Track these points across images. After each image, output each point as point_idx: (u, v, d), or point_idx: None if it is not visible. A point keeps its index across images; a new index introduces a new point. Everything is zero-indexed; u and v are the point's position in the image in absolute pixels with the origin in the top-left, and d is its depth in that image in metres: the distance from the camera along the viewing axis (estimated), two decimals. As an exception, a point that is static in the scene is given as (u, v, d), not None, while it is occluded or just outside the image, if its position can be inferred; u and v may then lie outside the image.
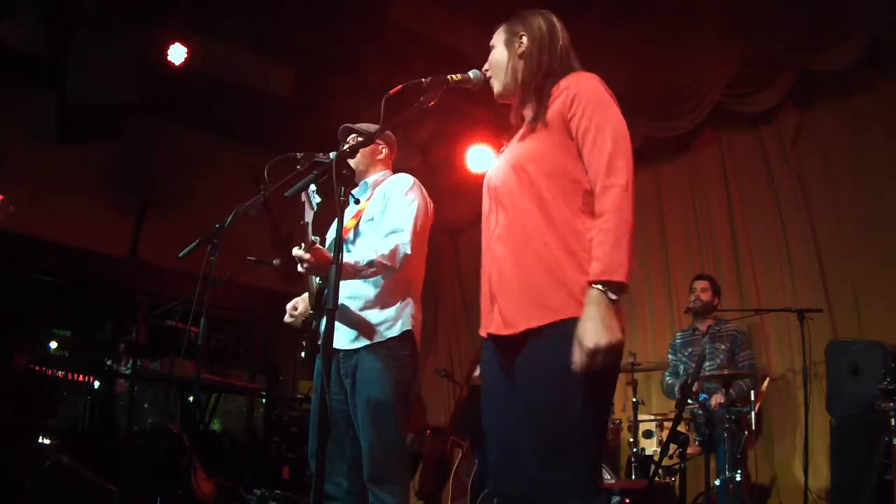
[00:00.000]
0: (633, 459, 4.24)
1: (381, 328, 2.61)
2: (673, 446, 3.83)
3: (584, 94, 1.77)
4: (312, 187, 2.31)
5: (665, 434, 4.20)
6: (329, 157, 2.44)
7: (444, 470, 4.92)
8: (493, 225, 1.85)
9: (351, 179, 1.96)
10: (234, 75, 6.21)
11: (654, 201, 5.85)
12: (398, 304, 2.64)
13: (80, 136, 5.81)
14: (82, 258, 6.50)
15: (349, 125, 2.88)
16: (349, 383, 2.61)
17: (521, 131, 1.88)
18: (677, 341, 4.83)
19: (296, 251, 2.42)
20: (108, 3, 5.13)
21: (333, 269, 1.84)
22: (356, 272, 2.51)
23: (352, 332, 2.64)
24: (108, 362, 5.62)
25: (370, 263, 2.51)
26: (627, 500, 3.77)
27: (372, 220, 2.72)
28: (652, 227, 5.81)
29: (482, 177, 2.01)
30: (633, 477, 4.20)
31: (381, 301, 2.64)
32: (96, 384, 6.03)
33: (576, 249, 1.67)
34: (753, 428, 4.03)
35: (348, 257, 2.52)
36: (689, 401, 4.02)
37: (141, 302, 6.62)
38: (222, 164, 6.96)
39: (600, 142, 1.70)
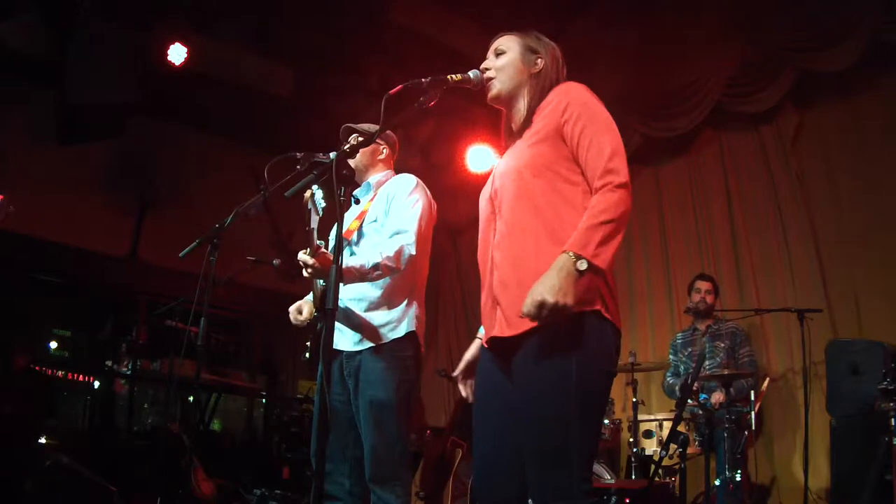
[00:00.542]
0: (633, 459, 4.24)
1: (385, 330, 2.61)
2: (673, 446, 3.83)
3: (575, 101, 1.83)
4: (319, 193, 2.31)
5: (665, 434, 4.20)
6: (329, 157, 2.44)
7: (445, 470, 4.92)
8: (489, 233, 1.90)
9: (351, 179, 1.96)
10: (234, 75, 6.21)
11: (654, 201, 5.85)
12: (402, 305, 2.64)
13: (80, 136, 5.81)
14: (82, 258, 6.50)
15: (350, 125, 2.88)
16: (352, 383, 2.61)
17: (514, 142, 1.95)
18: (678, 341, 4.84)
19: (301, 256, 2.42)
20: (108, 4, 5.13)
21: (333, 269, 1.84)
22: (362, 275, 2.51)
23: (356, 335, 2.64)
24: (109, 363, 5.61)
25: (375, 266, 2.50)
26: (627, 500, 3.76)
27: (375, 221, 2.71)
28: (652, 227, 5.81)
29: (482, 177, 2.02)
30: (633, 477, 4.20)
31: (386, 302, 2.63)
32: (96, 384, 6.03)
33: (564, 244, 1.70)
34: (753, 428, 4.03)
35: (353, 260, 2.51)
36: (690, 400, 4.02)
37: (141, 302, 6.62)
38: (222, 164, 6.96)
39: (597, 144, 1.75)
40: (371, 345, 2.60)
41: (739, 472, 3.79)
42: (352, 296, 2.66)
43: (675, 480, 4.11)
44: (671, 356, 4.83)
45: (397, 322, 2.62)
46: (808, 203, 4.84)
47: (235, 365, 6.51)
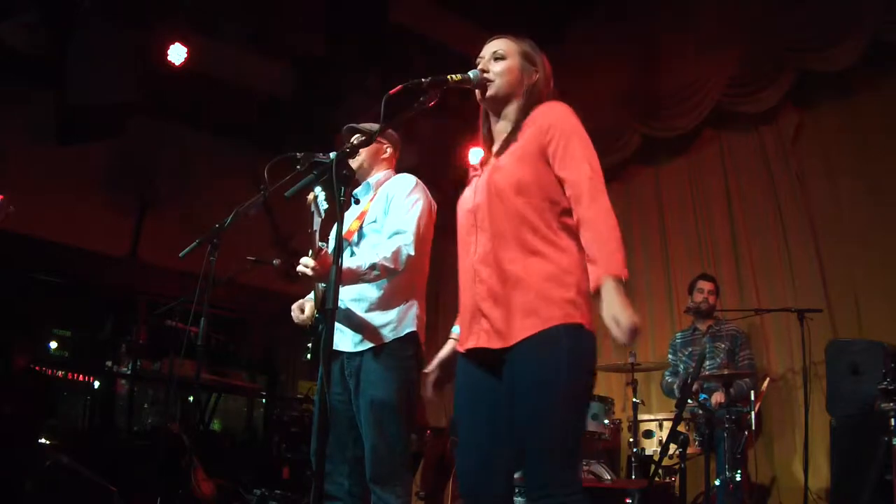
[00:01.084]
0: (633, 459, 4.24)
1: (386, 330, 2.60)
2: (673, 446, 3.83)
3: (558, 122, 1.92)
4: (322, 196, 2.31)
5: (665, 434, 4.20)
6: (329, 157, 2.44)
7: (445, 470, 4.92)
8: (472, 246, 1.94)
9: (351, 179, 1.96)
10: (234, 75, 6.21)
11: (654, 201, 5.85)
12: (402, 305, 2.64)
13: (80, 136, 5.81)
14: (82, 258, 6.49)
15: (353, 125, 2.88)
16: (353, 383, 2.61)
17: (495, 156, 1.99)
18: (677, 341, 4.84)
19: (303, 260, 2.42)
20: (108, 4, 5.12)
21: (333, 269, 1.84)
22: (359, 276, 2.51)
23: (357, 335, 2.63)
24: (109, 363, 5.61)
25: (372, 266, 2.50)
26: (628, 500, 3.76)
27: (375, 221, 2.71)
28: (652, 227, 5.81)
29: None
30: (633, 477, 4.19)
31: (386, 303, 2.63)
32: (96, 384, 6.03)
33: (557, 264, 1.83)
34: (753, 428, 4.03)
35: (351, 261, 2.51)
36: (689, 400, 4.02)
37: (141, 302, 6.62)
38: (222, 164, 6.96)
39: (578, 164, 1.86)
40: (372, 345, 2.60)
41: (739, 472, 3.78)
42: (352, 296, 2.66)
43: (675, 480, 4.11)
44: (670, 356, 4.83)
45: (398, 322, 2.62)
46: (808, 203, 4.84)
47: (235, 365, 6.50)
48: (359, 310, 2.64)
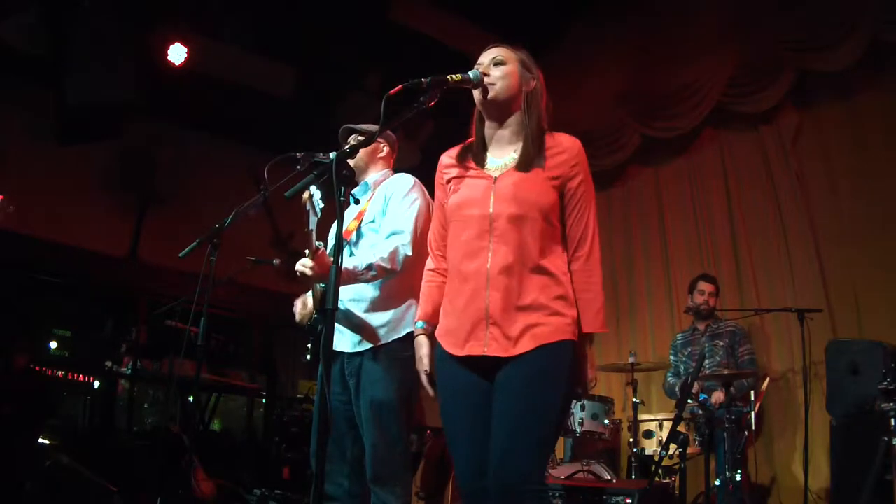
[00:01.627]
0: (633, 459, 4.24)
1: (385, 331, 2.60)
2: (673, 446, 3.83)
3: (583, 165, 2.05)
4: (317, 195, 2.30)
5: (665, 434, 4.20)
6: (329, 157, 2.43)
7: (445, 470, 4.92)
8: (482, 251, 1.96)
9: (351, 180, 1.95)
10: (234, 75, 6.22)
11: (654, 201, 5.85)
12: (402, 306, 2.63)
13: (80, 137, 5.81)
14: (82, 258, 6.49)
15: (350, 125, 2.87)
16: (353, 384, 2.61)
17: (511, 165, 2.02)
18: (678, 342, 4.84)
19: (298, 267, 2.42)
20: (108, 3, 5.12)
21: (333, 269, 1.84)
22: (356, 277, 2.51)
23: (356, 336, 2.63)
24: (109, 363, 5.60)
25: (369, 267, 2.50)
26: (628, 501, 3.76)
27: (373, 221, 2.70)
28: (652, 227, 5.81)
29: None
30: (633, 477, 4.20)
31: (385, 304, 2.63)
32: (96, 384, 6.03)
33: (566, 285, 1.98)
34: (753, 428, 4.03)
35: (348, 262, 2.51)
36: (689, 400, 4.02)
37: (141, 302, 6.62)
38: (222, 164, 6.96)
39: (587, 212, 2.03)
40: (371, 346, 2.59)
41: (739, 472, 3.78)
42: (350, 297, 2.65)
43: (675, 480, 4.11)
44: (671, 356, 4.84)
45: (397, 323, 2.61)
46: (808, 203, 4.84)
47: (235, 365, 6.50)
48: (358, 310, 2.64)
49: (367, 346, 2.60)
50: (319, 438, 1.82)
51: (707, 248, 5.37)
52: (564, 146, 2.03)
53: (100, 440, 5.49)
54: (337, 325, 2.56)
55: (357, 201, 2.80)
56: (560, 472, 4.06)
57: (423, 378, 2.15)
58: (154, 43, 5.61)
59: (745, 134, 5.32)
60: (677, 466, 3.99)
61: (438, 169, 2.19)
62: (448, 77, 1.94)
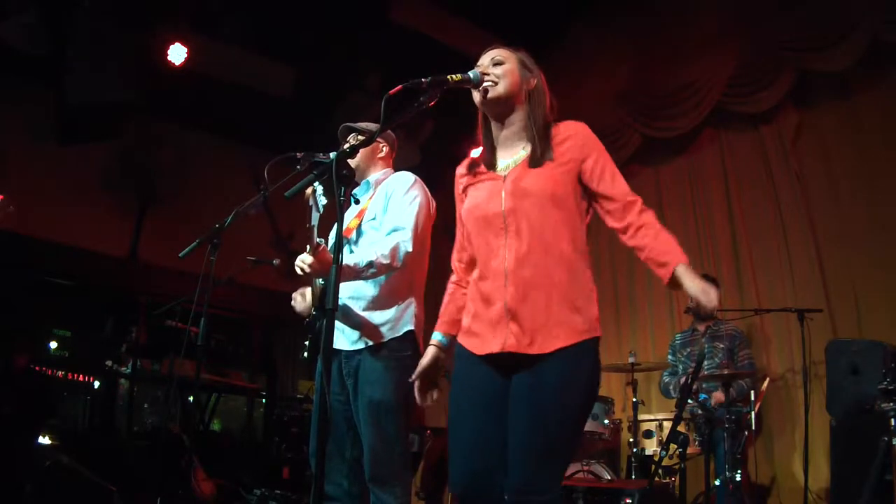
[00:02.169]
0: (633, 459, 4.24)
1: (384, 329, 2.59)
2: (673, 446, 3.83)
3: (593, 142, 2.04)
4: (320, 190, 2.30)
5: (665, 434, 4.20)
6: (329, 157, 2.43)
7: (445, 470, 4.92)
8: (499, 249, 1.95)
9: (351, 179, 1.96)
10: (234, 75, 6.22)
11: (654, 201, 5.84)
12: (401, 304, 2.63)
13: (80, 136, 5.81)
14: (82, 258, 6.49)
15: (349, 124, 2.87)
16: (351, 383, 2.61)
17: (519, 161, 2.02)
18: (677, 342, 4.83)
19: (298, 262, 2.41)
20: (108, 3, 5.12)
21: (333, 269, 1.84)
22: (356, 273, 2.50)
23: (354, 334, 2.63)
24: (109, 363, 5.61)
25: (370, 264, 2.49)
26: (628, 500, 3.76)
27: (374, 219, 2.70)
28: (652, 227, 5.80)
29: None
30: (633, 477, 4.19)
31: (384, 301, 2.62)
32: (96, 384, 6.03)
33: (585, 279, 1.95)
34: (753, 428, 4.03)
35: (349, 258, 2.50)
36: (689, 400, 4.02)
37: (141, 302, 6.61)
38: (222, 164, 6.96)
39: (619, 178, 2.02)
40: (370, 344, 2.59)
41: (739, 472, 3.78)
42: (349, 294, 2.64)
43: (675, 480, 4.11)
44: (670, 356, 4.83)
45: (396, 321, 2.61)
46: (808, 203, 4.84)
47: (235, 365, 6.50)
48: (357, 308, 2.63)
49: (365, 343, 2.59)
50: (319, 438, 1.81)
51: (707, 248, 5.37)
52: (569, 132, 2.03)
53: (100, 440, 5.48)
54: (335, 323, 2.55)
55: (357, 201, 2.81)
56: (560, 472, 4.05)
57: (415, 386, 2.14)
58: (154, 43, 5.61)
59: (745, 134, 5.32)
60: (677, 466, 4.00)
61: (455, 182, 2.19)
62: (448, 77, 1.94)
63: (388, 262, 2.51)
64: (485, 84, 2.00)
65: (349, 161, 2.79)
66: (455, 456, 1.97)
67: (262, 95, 6.42)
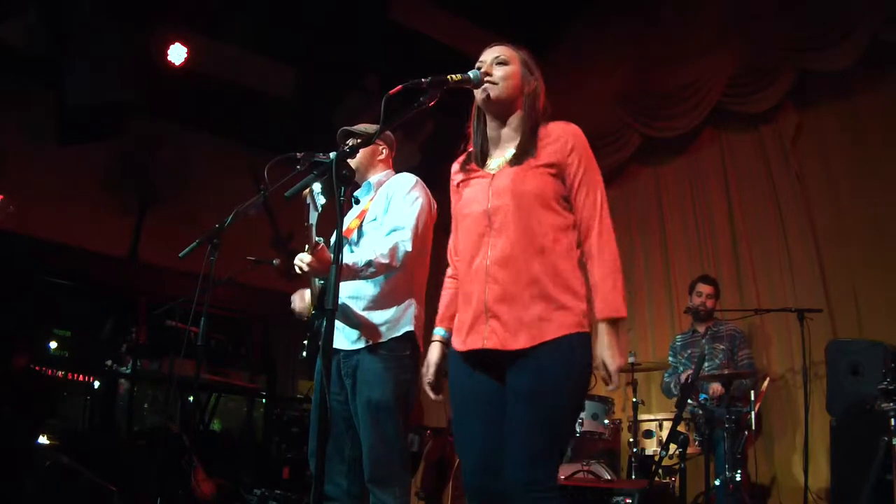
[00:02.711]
0: (633, 459, 4.24)
1: (383, 329, 2.59)
2: (673, 446, 3.83)
3: (579, 146, 2.02)
4: (318, 188, 2.30)
5: (665, 434, 4.20)
6: (329, 157, 2.43)
7: (445, 470, 4.93)
8: (482, 246, 1.97)
9: (351, 180, 1.96)
10: (234, 75, 6.22)
11: (654, 201, 5.85)
12: (401, 304, 2.62)
13: (80, 137, 5.81)
14: (82, 258, 6.50)
15: (347, 128, 2.86)
16: (350, 383, 2.60)
17: (507, 161, 2.03)
18: (677, 343, 4.83)
19: (297, 261, 2.41)
20: (108, 3, 5.12)
21: (333, 269, 1.83)
22: (355, 273, 2.49)
23: (353, 333, 2.62)
24: (109, 363, 5.61)
25: (369, 263, 2.49)
26: (628, 501, 3.76)
27: (375, 219, 2.70)
28: (652, 227, 5.81)
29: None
30: (633, 477, 4.19)
31: (384, 301, 2.61)
32: (96, 384, 6.03)
33: (570, 274, 1.94)
34: (753, 428, 4.03)
35: (348, 258, 2.50)
36: (690, 400, 4.02)
37: (141, 302, 6.62)
38: (222, 164, 6.97)
39: (593, 193, 2.00)
40: (369, 343, 2.58)
41: (739, 472, 3.78)
42: (349, 294, 2.64)
43: (675, 480, 4.11)
44: (670, 357, 4.83)
45: (395, 321, 2.60)
46: (808, 203, 4.83)
47: (235, 365, 6.50)
48: (356, 307, 2.62)
49: (364, 343, 2.59)
50: (319, 438, 1.81)
51: (707, 248, 5.37)
52: (556, 134, 2.02)
53: (100, 440, 5.49)
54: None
55: (357, 202, 2.80)
56: (560, 472, 4.06)
57: (426, 385, 2.17)
58: (154, 43, 5.62)
59: (745, 134, 5.32)
60: (677, 466, 3.99)
61: (451, 177, 2.20)
62: (448, 77, 1.94)
63: (387, 261, 2.51)
64: (485, 85, 2.00)
65: (349, 162, 2.78)
66: (464, 459, 1.99)
67: (262, 95, 6.42)
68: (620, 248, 1.99)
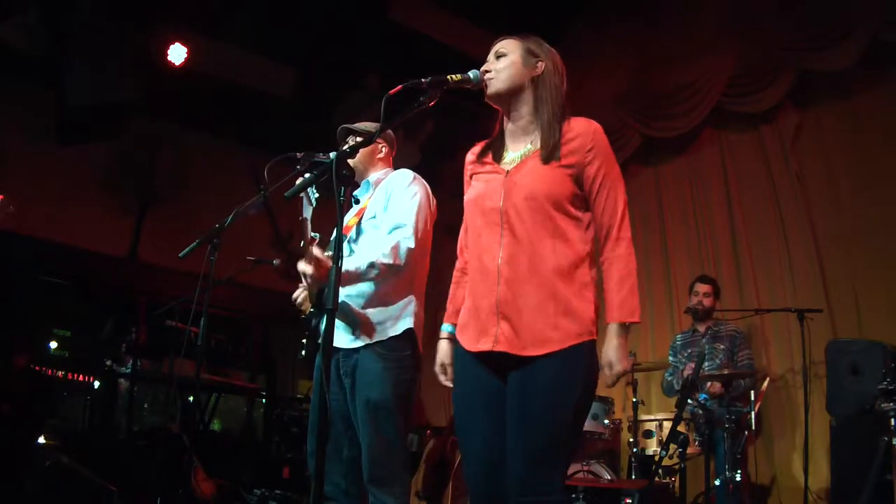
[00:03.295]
0: (633, 459, 4.24)
1: (383, 327, 2.57)
2: (673, 446, 3.83)
3: (600, 148, 1.95)
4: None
5: (665, 434, 4.20)
6: (329, 157, 2.43)
7: (445, 470, 4.92)
8: (494, 246, 1.93)
9: (351, 180, 1.95)
10: (234, 75, 6.22)
11: (654, 201, 5.85)
12: (401, 301, 2.61)
13: (80, 136, 5.81)
14: (82, 258, 6.50)
15: (347, 126, 2.86)
16: (348, 383, 2.59)
17: (524, 158, 1.97)
18: (678, 343, 4.83)
19: (300, 266, 2.40)
20: (108, 3, 5.12)
21: (333, 269, 1.83)
22: (359, 276, 2.48)
23: (352, 331, 2.60)
24: (109, 363, 5.62)
25: (371, 265, 2.47)
26: (627, 500, 3.77)
27: (374, 217, 2.68)
28: (652, 227, 5.81)
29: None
30: (633, 477, 4.19)
31: (384, 299, 2.59)
32: (96, 384, 6.03)
33: (581, 279, 1.89)
34: (753, 428, 4.03)
35: (349, 261, 2.47)
36: (689, 400, 4.02)
37: (141, 302, 6.62)
38: (222, 164, 6.97)
39: (613, 197, 1.94)
40: (368, 342, 2.57)
41: (739, 472, 3.78)
42: (349, 291, 2.62)
43: (675, 480, 4.11)
44: (671, 357, 4.83)
45: (395, 319, 2.58)
46: (808, 203, 4.83)
47: (235, 365, 6.51)
48: (356, 305, 2.60)
49: (363, 341, 2.57)
50: (318, 438, 1.81)
51: (707, 248, 5.37)
52: (577, 131, 1.95)
53: (100, 440, 5.49)
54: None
55: (357, 201, 2.80)
56: (560, 473, 4.06)
57: (444, 382, 2.14)
58: (154, 43, 5.62)
59: (745, 134, 5.32)
60: (677, 466, 4.00)
61: (465, 166, 2.16)
62: (448, 77, 1.94)
63: (390, 261, 2.49)
64: (485, 79, 1.98)
65: (349, 161, 2.78)
66: (468, 459, 1.96)
67: (262, 95, 6.42)
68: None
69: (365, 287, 2.61)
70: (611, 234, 1.92)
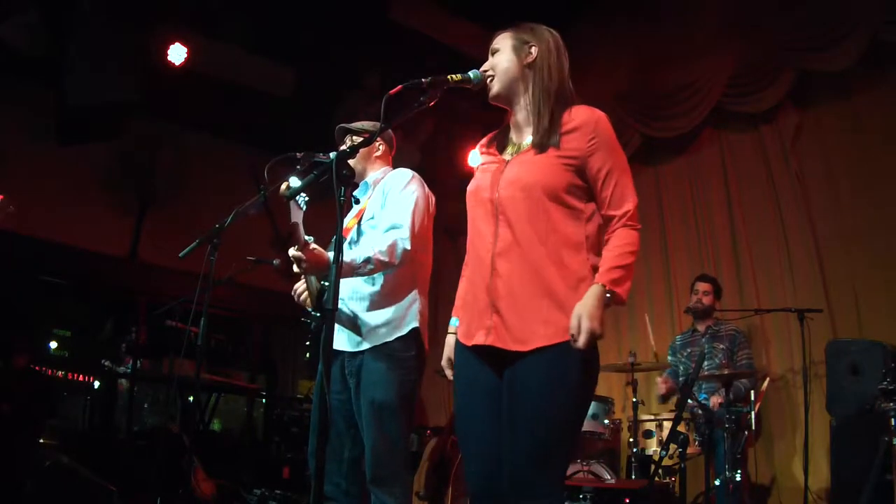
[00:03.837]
0: (633, 459, 4.24)
1: (388, 329, 2.57)
2: (673, 446, 3.83)
3: (603, 136, 1.88)
4: (295, 184, 2.28)
5: (665, 434, 4.20)
6: (329, 157, 2.43)
7: (445, 470, 4.92)
8: (489, 237, 1.90)
9: (351, 180, 1.95)
10: (234, 75, 6.22)
11: (654, 201, 5.84)
12: (403, 302, 2.60)
13: (80, 137, 5.81)
14: (82, 258, 6.50)
15: (345, 125, 2.86)
16: (353, 383, 2.59)
17: (524, 148, 1.94)
18: (677, 343, 4.83)
19: (292, 252, 2.40)
20: (108, 3, 5.12)
21: (333, 270, 1.83)
22: (353, 270, 2.47)
23: (357, 336, 2.60)
24: (109, 363, 5.62)
25: (367, 260, 2.46)
26: (627, 500, 3.76)
27: (373, 218, 2.68)
28: (652, 227, 5.80)
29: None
30: (633, 477, 4.19)
31: (387, 300, 2.59)
32: (96, 384, 6.03)
33: (577, 272, 1.83)
34: (753, 428, 4.03)
35: (347, 254, 2.47)
36: (690, 400, 4.02)
37: (141, 302, 6.62)
38: (222, 164, 6.97)
39: (621, 185, 1.87)
40: (373, 346, 2.57)
41: (739, 472, 3.78)
42: (350, 295, 2.63)
43: (675, 480, 4.11)
44: (670, 357, 4.83)
45: (399, 320, 2.58)
46: (808, 203, 4.84)
47: (235, 365, 6.51)
48: (359, 309, 2.61)
49: (368, 345, 2.57)
50: (319, 438, 1.81)
51: (707, 248, 5.37)
52: (578, 121, 1.88)
53: (100, 440, 5.49)
54: (337, 325, 2.54)
55: (357, 202, 2.80)
56: (560, 473, 4.05)
57: (449, 373, 2.10)
58: (154, 43, 5.61)
59: (745, 134, 5.32)
60: (677, 466, 3.99)
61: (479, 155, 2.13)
62: (448, 77, 1.93)
63: (386, 259, 2.48)
64: (487, 81, 1.97)
65: (349, 161, 2.78)
66: (468, 459, 1.93)
67: (262, 95, 6.42)
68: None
69: (366, 290, 2.61)
70: (616, 225, 1.85)
